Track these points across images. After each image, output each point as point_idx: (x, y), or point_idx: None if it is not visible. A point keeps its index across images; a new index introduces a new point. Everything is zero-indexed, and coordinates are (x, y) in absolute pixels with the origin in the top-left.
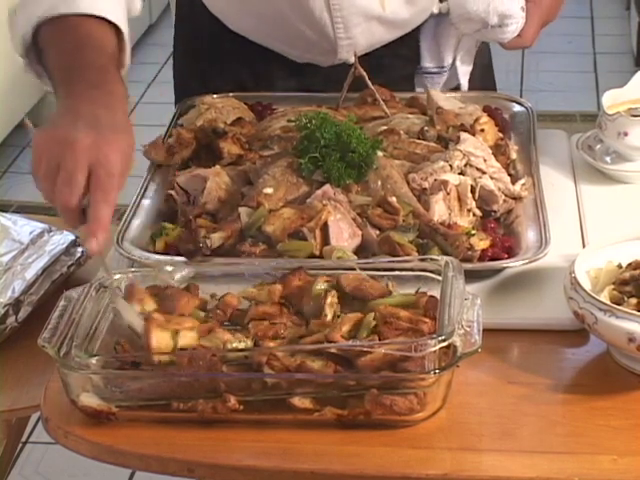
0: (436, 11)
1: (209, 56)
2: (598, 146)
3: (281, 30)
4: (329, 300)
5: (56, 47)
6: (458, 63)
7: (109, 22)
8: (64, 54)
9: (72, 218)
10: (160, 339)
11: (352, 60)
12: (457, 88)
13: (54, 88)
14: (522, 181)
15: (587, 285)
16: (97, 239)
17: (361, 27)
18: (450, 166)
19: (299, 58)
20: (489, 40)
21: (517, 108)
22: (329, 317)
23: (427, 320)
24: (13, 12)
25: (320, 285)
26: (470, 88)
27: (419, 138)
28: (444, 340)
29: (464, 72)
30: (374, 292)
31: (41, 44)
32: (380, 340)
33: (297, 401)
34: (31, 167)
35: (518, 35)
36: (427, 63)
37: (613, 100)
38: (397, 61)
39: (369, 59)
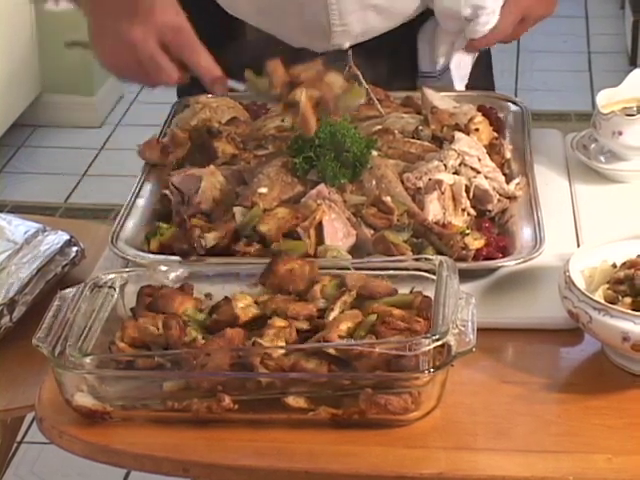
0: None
1: (208, 42)
2: (593, 145)
3: (276, 13)
4: (344, 298)
5: None
6: (452, 67)
7: None
8: None
9: (185, 83)
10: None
11: (346, 46)
12: None
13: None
14: (516, 180)
15: (581, 284)
16: (217, 82)
17: (356, 15)
18: (444, 165)
19: (294, 42)
20: (473, 36)
21: (512, 107)
22: (335, 312)
23: (420, 320)
24: None
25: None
26: (469, 87)
27: (414, 137)
28: (438, 339)
29: (460, 77)
30: (381, 291)
31: None
32: (378, 339)
33: (292, 400)
34: (129, 81)
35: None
36: (424, 67)
37: (608, 99)
38: (395, 68)
39: (366, 66)
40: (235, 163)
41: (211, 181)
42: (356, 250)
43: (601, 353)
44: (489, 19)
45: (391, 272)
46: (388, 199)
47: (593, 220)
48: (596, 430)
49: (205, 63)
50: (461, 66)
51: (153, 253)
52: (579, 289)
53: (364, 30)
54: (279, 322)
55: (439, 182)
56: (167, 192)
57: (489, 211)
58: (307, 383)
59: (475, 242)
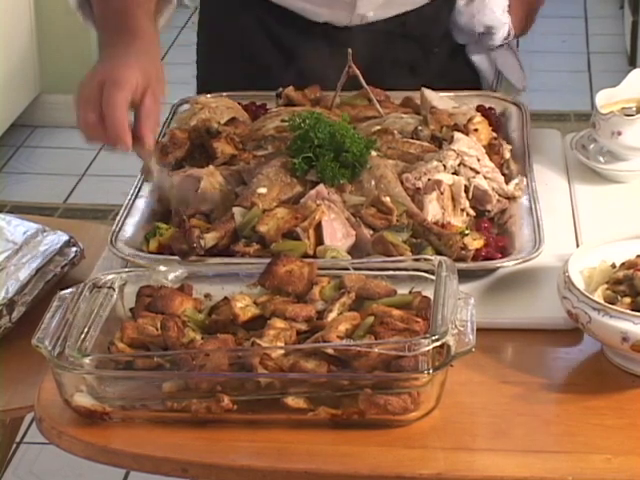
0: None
1: (228, 28)
2: (592, 145)
3: None
4: (343, 299)
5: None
6: (499, 67)
7: None
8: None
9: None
10: None
11: (370, 15)
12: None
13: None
14: (516, 181)
15: (581, 284)
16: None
17: None
18: (444, 166)
19: (317, 15)
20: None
21: (511, 107)
22: (334, 314)
23: (419, 320)
24: None
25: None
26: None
27: (413, 138)
28: (438, 340)
29: (515, 78)
30: (380, 291)
31: None
32: (376, 340)
33: (291, 401)
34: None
35: None
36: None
37: (607, 99)
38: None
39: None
40: (234, 163)
41: (210, 181)
42: (355, 250)
43: (600, 353)
44: (501, 32)
45: (390, 272)
46: (387, 199)
47: (592, 220)
48: (595, 430)
49: (118, 123)
50: (508, 64)
51: (152, 253)
52: (578, 289)
53: None
54: (279, 323)
55: (438, 182)
56: None
57: (488, 211)
58: (306, 383)
59: (474, 242)
